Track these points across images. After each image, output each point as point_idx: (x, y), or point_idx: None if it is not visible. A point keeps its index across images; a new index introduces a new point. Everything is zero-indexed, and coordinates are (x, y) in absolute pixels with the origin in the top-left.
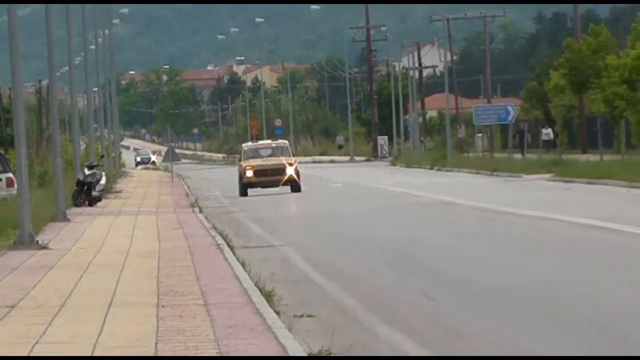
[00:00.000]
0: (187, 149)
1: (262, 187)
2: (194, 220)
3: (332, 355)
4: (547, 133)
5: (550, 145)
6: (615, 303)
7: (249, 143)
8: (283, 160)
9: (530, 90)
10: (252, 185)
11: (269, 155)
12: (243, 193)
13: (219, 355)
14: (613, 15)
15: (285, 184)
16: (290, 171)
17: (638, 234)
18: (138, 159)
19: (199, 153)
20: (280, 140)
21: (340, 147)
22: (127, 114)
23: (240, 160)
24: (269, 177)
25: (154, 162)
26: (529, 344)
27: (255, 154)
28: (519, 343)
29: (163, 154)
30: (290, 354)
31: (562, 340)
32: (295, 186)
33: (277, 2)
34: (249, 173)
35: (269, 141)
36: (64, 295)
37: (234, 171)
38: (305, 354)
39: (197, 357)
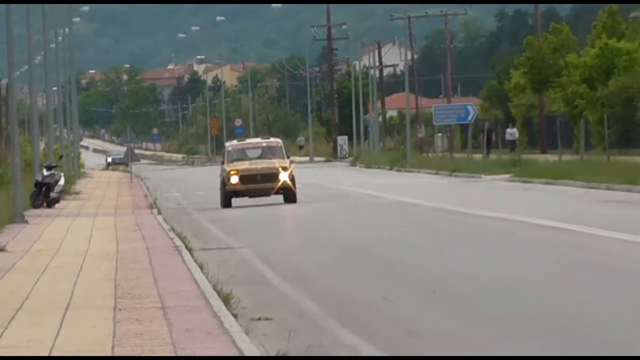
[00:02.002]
0: (147, 149)
1: (250, 196)
2: (153, 221)
3: (287, 355)
4: (512, 133)
5: (514, 145)
6: (572, 302)
7: (234, 142)
8: (276, 163)
9: (490, 89)
10: (238, 193)
11: (259, 157)
12: (226, 203)
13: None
14: (574, 13)
15: (277, 192)
16: (284, 177)
17: (594, 234)
18: (109, 159)
19: (158, 153)
20: (272, 139)
21: (301, 147)
22: (87, 113)
23: (222, 163)
24: (259, 184)
25: (125, 164)
26: (486, 343)
27: (241, 155)
28: (477, 342)
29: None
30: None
31: (521, 339)
32: (289, 195)
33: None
34: (234, 179)
35: (258, 139)
36: (21, 298)
37: (193, 172)
38: (261, 356)
39: (188, 357)
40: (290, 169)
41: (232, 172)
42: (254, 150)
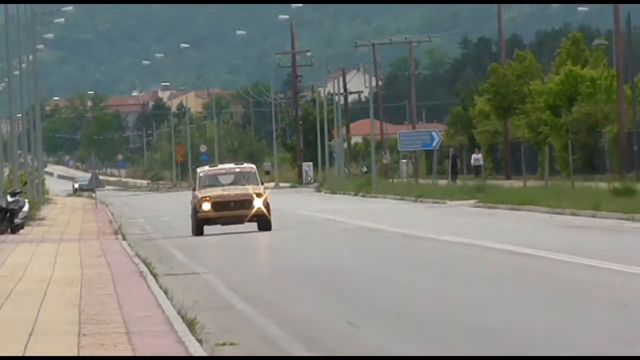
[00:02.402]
0: (112, 175)
1: (223, 224)
2: (117, 247)
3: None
4: (478, 158)
5: (480, 170)
6: (536, 328)
7: (206, 167)
8: (249, 189)
9: (455, 115)
10: (210, 221)
11: (232, 183)
12: (198, 231)
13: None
14: (538, 40)
15: (251, 220)
16: (258, 204)
17: (558, 259)
18: (76, 185)
19: (123, 179)
20: (245, 165)
21: (267, 172)
22: (51, 139)
23: (194, 189)
24: (232, 212)
25: (93, 190)
26: None
27: (213, 181)
28: None
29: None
30: None
31: None
32: (264, 223)
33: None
34: (206, 206)
35: (231, 165)
36: None
37: (158, 198)
38: None
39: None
40: (265, 195)
41: (203, 199)
42: (226, 176)
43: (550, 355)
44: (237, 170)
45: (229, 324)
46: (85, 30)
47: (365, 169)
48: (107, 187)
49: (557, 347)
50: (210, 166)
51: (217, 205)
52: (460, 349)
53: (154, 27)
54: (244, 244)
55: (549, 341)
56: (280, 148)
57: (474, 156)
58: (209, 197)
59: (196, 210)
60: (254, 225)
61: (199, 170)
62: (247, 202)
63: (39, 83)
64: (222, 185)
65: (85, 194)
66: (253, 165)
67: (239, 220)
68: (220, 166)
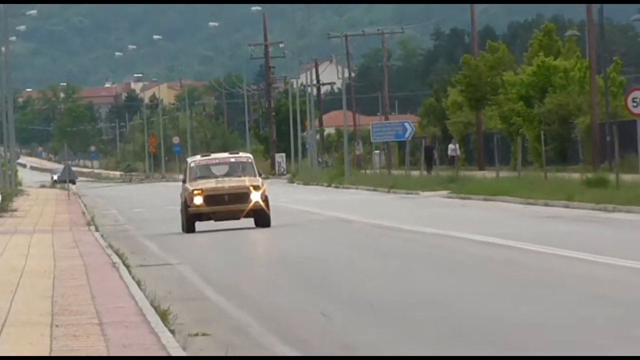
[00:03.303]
0: (84, 166)
1: (217, 219)
2: (90, 238)
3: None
4: (454, 149)
5: (456, 161)
6: (508, 317)
7: (197, 157)
8: (246, 181)
9: (427, 106)
10: (202, 216)
11: (226, 175)
12: (189, 228)
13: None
14: (510, 31)
15: (248, 215)
16: (255, 197)
17: (531, 250)
18: (55, 177)
19: (96, 171)
20: (242, 154)
21: None
22: (24, 131)
23: (184, 182)
24: (226, 206)
25: (73, 181)
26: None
27: (206, 172)
28: (413, 354)
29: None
30: None
31: (457, 352)
32: (262, 218)
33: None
34: (198, 200)
35: (225, 154)
36: None
37: (131, 189)
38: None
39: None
40: (263, 188)
41: (195, 192)
42: (220, 167)
43: (522, 345)
44: (232, 160)
45: (202, 314)
46: (58, 21)
47: (327, 162)
48: (79, 179)
49: (527, 334)
50: (202, 155)
51: (210, 199)
52: (430, 338)
53: (126, 19)
54: (218, 236)
55: (519, 327)
56: (253, 139)
57: (450, 146)
58: (201, 189)
59: (187, 204)
60: (250, 222)
61: (189, 160)
62: (243, 196)
63: (12, 75)
64: (216, 176)
65: (58, 185)
66: (250, 155)
67: (234, 215)
68: (213, 155)
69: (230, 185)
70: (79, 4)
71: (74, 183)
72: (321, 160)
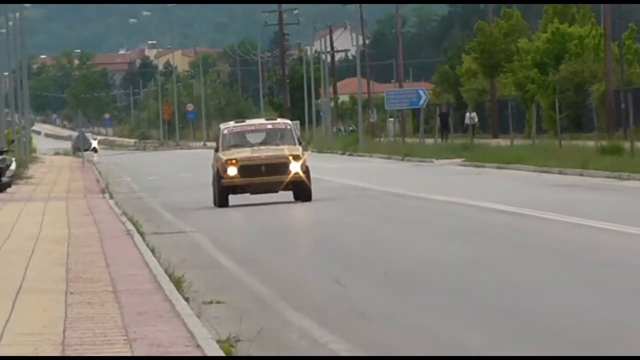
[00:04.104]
0: (99, 134)
1: (252, 192)
2: (105, 206)
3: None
4: (472, 117)
5: (474, 129)
6: (523, 285)
7: (231, 123)
8: (285, 150)
9: (442, 74)
10: (237, 189)
11: (263, 143)
12: (222, 202)
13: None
14: None
15: (287, 187)
16: (295, 168)
17: (545, 218)
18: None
19: (110, 138)
20: (280, 120)
21: None
22: (38, 98)
23: (216, 150)
24: (263, 178)
25: (95, 149)
26: (439, 326)
27: (240, 140)
28: (430, 326)
29: (94, 139)
30: (199, 341)
31: (472, 322)
32: (302, 192)
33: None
34: (232, 170)
35: (262, 120)
36: None
37: (145, 156)
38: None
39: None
40: (304, 157)
41: (229, 162)
42: (256, 134)
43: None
44: (269, 126)
45: (216, 282)
46: None
47: (352, 128)
48: (93, 145)
49: (542, 301)
50: (237, 122)
51: (246, 169)
52: (446, 310)
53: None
54: (231, 204)
55: (535, 295)
56: (267, 107)
57: (467, 114)
58: (236, 159)
59: (220, 175)
60: (289, 195)
61: (222, 126)
62: (282, 166)
63: (26, 41)
64: (252, 145)
65: (72, 151)
66: (289, 121)
67: (272, 187)
68: (249, 122)
69: (267, 155)
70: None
71: (95, 151)
72: (342, 128)
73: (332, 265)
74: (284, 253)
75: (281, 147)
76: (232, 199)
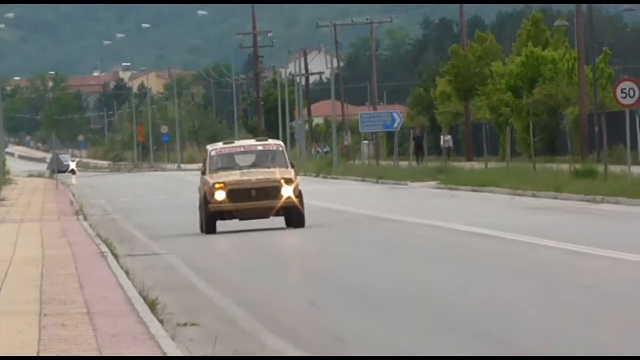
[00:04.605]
0: (73, 156)
1: (241, 218)
2: (79, 227)
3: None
4: (447, 140)
5: (450, 152)
6: (496, 308)
7: (219, 144)
8: (276, 173)
9: (416, 97)
10: (225, 214)
11: (253, 165)
12: (209, 228)
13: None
14: (499, 21)
15: (278, 213)
16: (287, 192)
17: (519, 240)
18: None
19: (84, 160)
20: (271, 141)
21: None
22: (12, 120)
23: (203, 173)
24: (253, 202)
25: (73, 171)
26: (410, 347)
27: (229, 162)
28: (401, 346)
29: (72, 161)
30: None
31: (444, 344)
32: (294, 217)
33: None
34: (220, 195)
35: (252, 142)
36: None
37: (119, 178)
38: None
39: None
40: (296, 181)
41: (216, 186)
42: (246, 156)
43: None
44: (260, 148)
45: (190, 304)
46: (46, 9)
47: (327, 149)
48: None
49: (513, 324)
50: (225, 142)
51: (234, 193)
52: (418, 331)
53: (115, 7)
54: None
55: (508, 318)
56: (241, 129)
57: (443, 137)
58: (224, 183)
59: (207, 200)
60: (280, 221)
61: (209, 148)
62: (273, 190)
63: (0, 63)
64: (241, 167)
65: (46, 174)
66: (280, 142)
67: (262, 213)
68: (238, 143)
69: (257, 178)
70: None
71: (74, 173)
72: (320, 149)
73: (304, 287)
74: (256, 275)
75: (272, 169)
76: (220, 225)
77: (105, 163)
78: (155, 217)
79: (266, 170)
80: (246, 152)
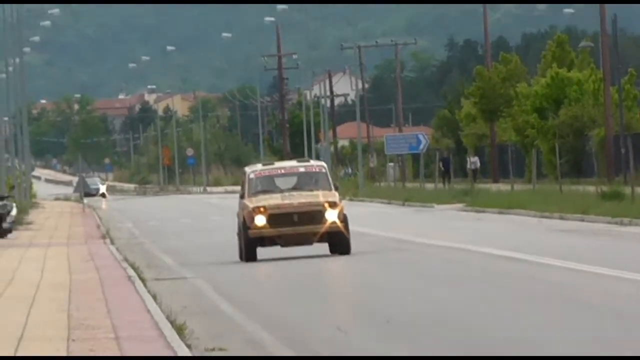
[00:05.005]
0: (102, 179)
1: (284, 244)
2: (105, 251)
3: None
4: (474, 162)
5: (477, 174)
6: (525, 333)
7: (258, 166)
8: (320, 196)
9: (441, 118)
10: (265, 241)
11: (294, 188)
12: (249, 255)
13: None
14: (524, 43)
15: (322, 238)
16: (332, 217)
17: (546, 263)
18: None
19: (110, 183)
20: (313, 162)
21: None
22: (38, 143)
23: (241, 197)
24: (296, 228)
25: (103, 194)
26: None
27: (269, 185)
28: None
29: (102, 184)
30: None
31: None
32: (340, 243)
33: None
34: (260, 220)
35: (293, 163)
36: None
37: (145, 201)
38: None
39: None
40: (341, 205)
41: (257, 210)
42: (287, 178)
43: (539, 355)
44: (302, 169)
45: (218, 328)
46: (71, 33)
47: (351, 171)
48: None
49: (543, 348)
50: (264, 164)
51: (276, 218)
52: (446, 353)
53: (139, 30)
54: (230, 248)
55: (535, 344)
56: (266, 151)
57: (470, 159)
58: (264, 207)
59: (245, 225)
60: (324, 248)
61: (248, 170)
62: (316, 215)
63: (26, 86)
64: (282, 190)
65: (73, 197)
66: (323, 164)
67: (305, 239)
68: (278, 164)
69: (300, 202)
70: (91, 11)
71: (104, 197)
72: (350, 170)
73: (331, 311)
74: (283, 299)
75: (315, 192)
76: (260, 252)
77: (131, 186)
78: (183, 241)
79: (309, 193)
80: (287, 174)
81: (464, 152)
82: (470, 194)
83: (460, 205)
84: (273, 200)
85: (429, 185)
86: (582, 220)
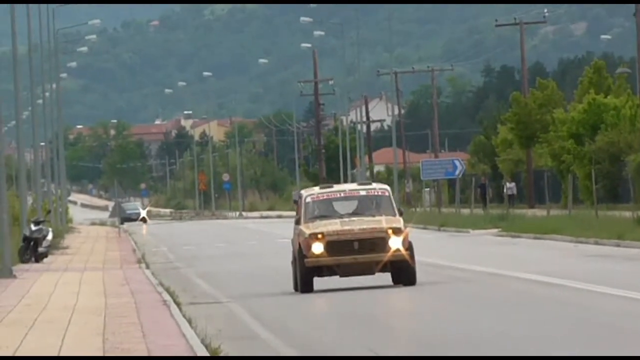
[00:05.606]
0: (140, 203)
1: (343, 274)
2: (141, 276)
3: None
4: (511, 187)
5: (514, 199)
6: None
7: (315, 189)
8: (382, 222)
9: (477, 144)
10: (323, 270)
11: (355, 213)
12: (305, 286)
13: None
14: (560, 69)
15: (385, 268)
16: (395, 244)
17: (583, 289)
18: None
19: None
20: (375, 185)
21: (295, 202)
22: (74, 168)
23: (297, 223)
24: (356, 256)
25: (144, 219)
26: None
27: (327, 210)
28: None
29: (143, 209)
30: None
31: None
32: (404, 273)
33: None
34: (317, 247)
35: (353, 185)
36: (9, 352)
37: (181, 227)
38: None
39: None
40: (405, 231)
41: (314, 237)
42: (346, 202)
43: None
44: (363, 192)
45: (252, 352)
46: (108, 58)
47: None
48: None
49: None
50: (322, 187)
51: (335, 246)
52: None
53: (175, 56)
54: (267, 272)
55: None
56: (302, 177)
57: (507, 185)
58: (322, 233)
59: (302, 253)
60: (386, 278)
61: (304, 193)
62: (379, 242)
63: (62, 112)
64: (341, 215)
65: (109, 222)
66: (386, 187)
67: (367, 268)
68: (337, 187)
69: (361, 228)
70: (128, 37)
71: (145, 221)
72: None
73: (365, 334)
74: (318, 323)
75: (378, 218)
76: (317, 282)
77: (167, 211)
78: (218, 266)
79: (371, 218)
80: (347, 197)
81: (500, 177)
82: (506, 219)
83: (495, 231)
84: (332, 226)
85: (465, 211)
86: (618, 246)
